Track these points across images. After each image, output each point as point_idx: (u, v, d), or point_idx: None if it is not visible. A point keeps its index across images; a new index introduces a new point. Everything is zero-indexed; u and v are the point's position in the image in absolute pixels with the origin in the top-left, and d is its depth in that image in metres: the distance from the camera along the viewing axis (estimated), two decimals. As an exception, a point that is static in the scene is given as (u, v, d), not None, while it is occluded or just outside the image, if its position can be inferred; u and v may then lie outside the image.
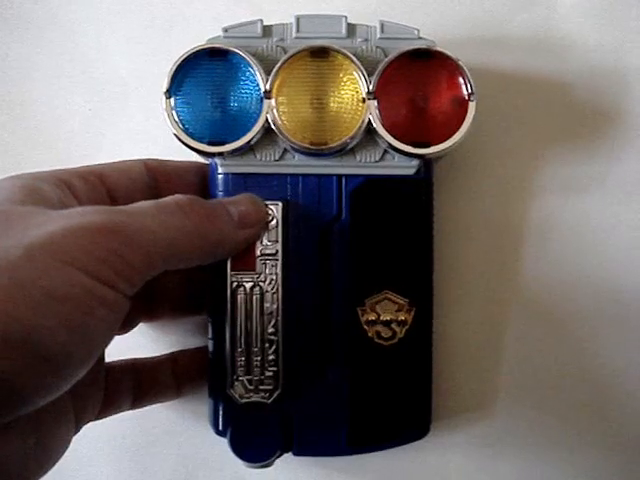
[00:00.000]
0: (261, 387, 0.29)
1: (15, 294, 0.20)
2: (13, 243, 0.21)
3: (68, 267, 0.21)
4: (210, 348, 0.30)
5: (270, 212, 0.29)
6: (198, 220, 0.25)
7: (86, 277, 0.21)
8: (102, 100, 0.35)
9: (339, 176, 0.30)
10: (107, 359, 0.29)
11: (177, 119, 0.29)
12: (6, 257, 0.21)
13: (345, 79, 0.29)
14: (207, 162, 0.31)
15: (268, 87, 0.29)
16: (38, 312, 0.20)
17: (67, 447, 0.26)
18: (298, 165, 0.30)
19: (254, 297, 0.29)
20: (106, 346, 0.23)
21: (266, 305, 0.29)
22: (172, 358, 0.32)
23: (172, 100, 0.29)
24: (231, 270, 0.29)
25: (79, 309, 0.21)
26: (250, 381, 0.29)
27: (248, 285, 0.29)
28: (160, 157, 0.31)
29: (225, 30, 0.29)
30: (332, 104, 0.29)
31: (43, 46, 0.35)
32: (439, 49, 0.29)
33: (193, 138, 0.29)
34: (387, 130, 0.29)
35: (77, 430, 0.27)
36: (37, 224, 0.22)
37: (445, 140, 0.29)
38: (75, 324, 0.21)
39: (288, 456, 0.30)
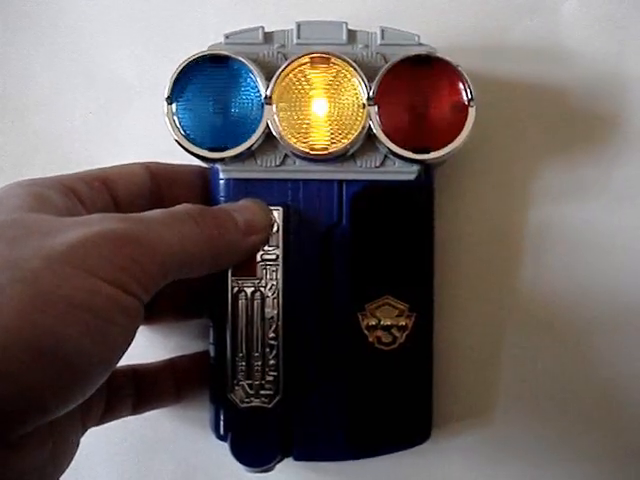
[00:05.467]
0: (262, 392, 0.29)
1: (40, 304, 0.20)
2: (32, 252, 0.21)
3: (89, 275, 0.21)
4: (211, 353, 0.30)
5: (271, 218, 0.29)
6: (208, 230, 0.26)
7: (107, 285, 0.22)
8: (104, 104, 0.35)
9: (339, 181, 0.30)
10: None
11: (178, 125, 0.29)
12: (27, 267, 0.21)
13: (345, 85, 0.29)
14: (208, 167, 0.31)
15: (269, 93, 0.29)
16: (63, 321, 0.20)
17: (76, 452, 0.26)
18: (299, 170, 0.30)
19: (255, 302, 0.29)
20: (124, 353, 0.23)
21: (267, 310, 0.29)
22: (172, 363, 0.32)
23: (173, 106, 0.29)
24: (232, 275, 0.29)
25: (101, 317, 0.21)
26: (251, 386, 0.29)
27: (249, 290, 0.29)
28: (162, 161, 0.31)
29: (226, 36, 0.30)
30: (333, 110, 0.29)
31: (45, 49, 0.35)
32: (439, 55, 0.29)
33: (194, 144, 0.29)
34: (387, 136, 0.29)
35: (82, 434, 0.27)
36: (54, 232, 0.22)
37: (445, 146, 0.29)
38: (98, 332, 0.21)
39: (288, 461, 0.30)
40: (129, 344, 0.23)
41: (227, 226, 0.27)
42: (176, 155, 0.30)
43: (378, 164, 0.30)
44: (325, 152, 0.29)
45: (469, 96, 0.29)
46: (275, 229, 0.29)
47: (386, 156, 0.30)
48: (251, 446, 0.29)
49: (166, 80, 0.29)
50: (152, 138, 0.34)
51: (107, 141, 0.35)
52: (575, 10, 0.34)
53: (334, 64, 0.29)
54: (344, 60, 0.29)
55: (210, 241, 0.26)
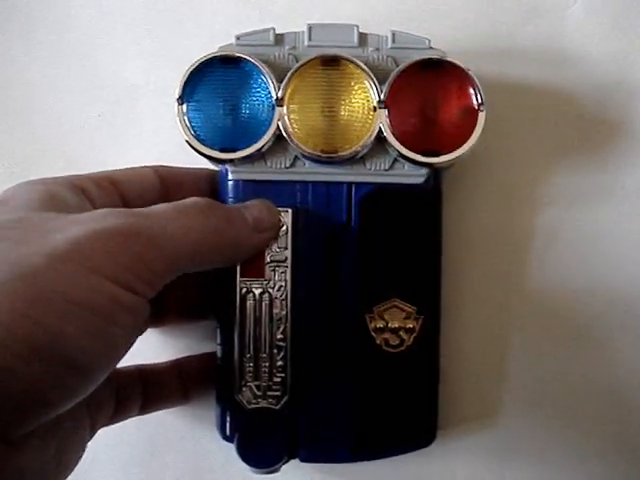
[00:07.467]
0: (269, 393, 0.29)
1: (39, 302, 0.20)
2: (35, 250, 0.21)
3: (92, 274, 0.21)
4: (218, 354, 0.30)
5: (280, 219, 0.29)
6: (216, 222, 0.26)
7: (110, 284, 0.22)
8: (111, 106, 0.35)
9: (349, 184, 0.30)
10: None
11: (189, 125, 0.29)
12: (29, 265, 0.21)
13: (356, 88, 0.29)
14: (217, 169, 0.31)
15: (280, 95, 0.29)
16: (62, 319, 0.20)
17: (83, 454, 0.26)
18: (308, 172, 0.30)
19: (263, 303, 0.29)
20: (127, 350, 0.23)
21: (275, 311, 0.29)
22: (179, 364, 0.32)
23: (184, 107, 0.29)
24: (240, 276, 0.29)
25: (102, 316, 0.21)
26: (258, 387, 0.29)
27: (257, 291, 0.29)
28: (170, 163, 0.31)
29: (237, 38, 0.30)
30: (343, 112, 0.29)
31: (52, 51, 0.35)
32: (450, 59, 0.29)
33: (205, 145, 0.29)
34: (397, 139, 0.29)
35: (92, 436, 0.27)
36: (58, 229, 0.22)
37: (454, 149, 0.29)
38: (98, 331, 0.21)
39: (295, 462, 0.30)
40: (133, 342, 0.23)
41: (235, 219, 0.27)
42: (185, 157, 0.30)
43: (387, 167, 0.30)
44: (335, 154, 0.29)
45: (479, 100, 0.29)
46: (284, 230, 0.29)
47: (395, 159, 0.30)
48: (258, 447, 0.29)
49: (174, 82, 0.29)
50: (160, 140, 0.34)
51: (115, 143, 0.35)
52: (581, 15, 0.34)
53: (345, 67, 0.29)
54: (355, 63, 0.29)
55: (217, 232, 0.26)
